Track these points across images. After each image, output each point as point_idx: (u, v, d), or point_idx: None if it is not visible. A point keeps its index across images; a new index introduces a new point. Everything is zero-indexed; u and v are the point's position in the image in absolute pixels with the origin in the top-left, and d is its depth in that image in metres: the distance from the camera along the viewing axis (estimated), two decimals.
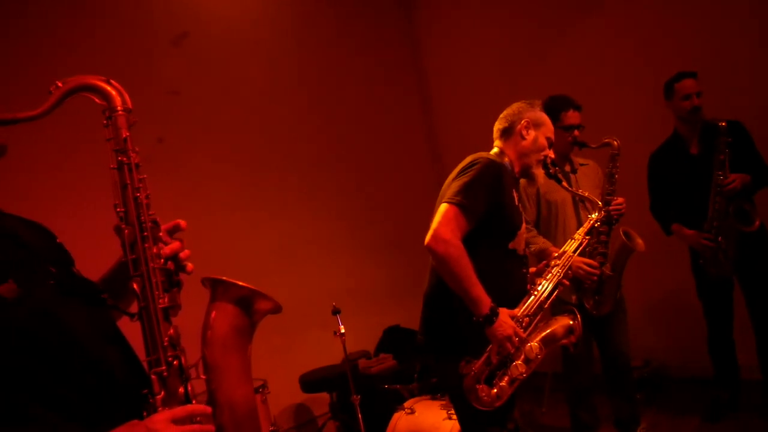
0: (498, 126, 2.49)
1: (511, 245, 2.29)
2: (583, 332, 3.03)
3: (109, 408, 1.06)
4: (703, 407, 3.68)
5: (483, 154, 2.33)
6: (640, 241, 3.04)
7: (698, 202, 3.33)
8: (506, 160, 2.41)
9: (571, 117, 3.11)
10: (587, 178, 3.19)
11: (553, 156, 2.50)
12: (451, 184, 2.22)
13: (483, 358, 2.15)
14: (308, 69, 5.20)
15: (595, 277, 2.95)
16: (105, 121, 1.22)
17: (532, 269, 2.46)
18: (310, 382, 4.30)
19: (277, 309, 1.44)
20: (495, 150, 2.47)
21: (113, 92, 1.22)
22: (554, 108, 3.08)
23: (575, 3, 4.69)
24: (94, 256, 1.52)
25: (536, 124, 2.43)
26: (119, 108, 1.22)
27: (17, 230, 1.15)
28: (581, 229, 2.60)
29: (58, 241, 1.27)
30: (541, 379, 4.33)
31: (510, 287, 2.29)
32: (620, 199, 3.00)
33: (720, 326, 3.51)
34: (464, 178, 2.20)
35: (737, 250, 3.26)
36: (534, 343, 2.21)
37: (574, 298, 3.05)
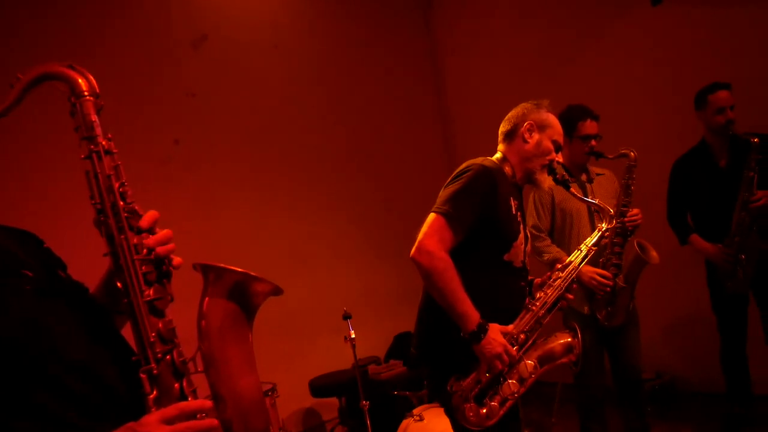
0: (501, 128, 2.37)
1: (506, 257, 2.17)
2: (596, 343, 3.06)
3: (100, 412, 1.02)
4: (714, 422, 3.64)
5: (478, 160, 2.22)
6: (654, 253, 3.02)
7: (720, 216, 3.30)
8: (507, 165, 2.29)
9: (589, 127, 3.10)
10: (603, 188, 3.18)
11: (561, 160, 2.37)
12: (441, 193, 2.15)
13: (472, 376, 2.06)
14: (326, 74, 5.23)
15: (608, 289, 2.93)
16: (71, 108, 1.14)
17: (537, 280, 2.33)
18: (320, 387, 4.30)
19: (276, 291, 1.36)
20: (497, 155, 2.34)
21: (78, 77, 1.14)
22: (572, 117, 3.08)
23: (597, 13, 4.69)
24: (91, 258, 1.45)
25: (541, 127, 2.28)
26: (86, 92, 1.13)
27: None
28: (589, 239, 2.40)
29: (45, 246, 1.21)
30: (551, 389, 4.30)
31: (504, 301, 2.18)
32: (635, 210, 2.98)
33: (734, 340, 3.48)
34: (454, 186, 2.11)
35: (756, 267, 3.24)
36: (529, 361, 2.10)
37: (586, 308, 3.04)
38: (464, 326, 1.99)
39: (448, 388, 2.07)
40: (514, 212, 2.21)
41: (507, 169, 2.29)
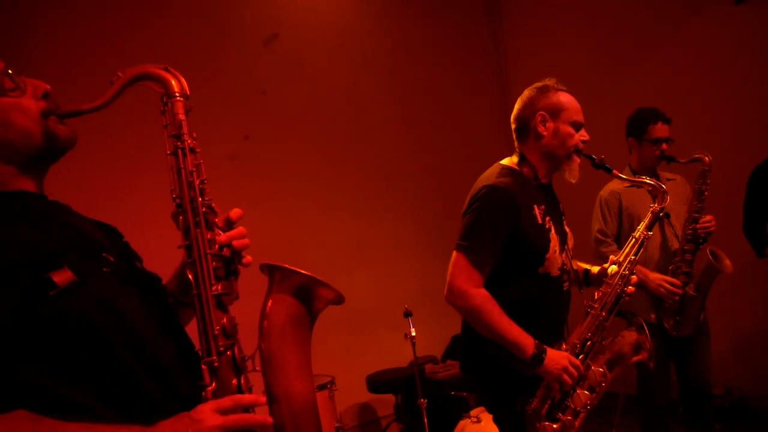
0: (513, 126, 2.18)
1: (540, 270, 2.04)
2: (662, 354, 2.95)
3: (155, 400, 1.04)
4: None
5: (491, 177, 2.06)
6: (728, 262, 2.89)
7: None
8: (526, 167, 2.12)
9: (660, 130, 3.01)
10: (674, 194, 3.06)
11: (587, 138, 2.10)
12: (461, 222, 2.05)
13: (540, 393, 1.97)
14: (394, 74, 5.28)
15: (677, 297, 2.84)
16: (162, 107, 1.20)
17: (594, 270, 2.21)
18: (377, 383, 4.34)
19: (339, 299, 1.37)
20: (514, 157, 2.16)
21: (171, 79, 1.20)
22: (642, 120, 3.01)
23: (670, 12, 4.52)
24: (165, 252, 1.51)
25: (553, 113, 2.06)
26: (177, 93, 1.19)
27: (75, 221, 1.14)
28: (641, 224, 2.18)
29: (124, 240, 1.26)
30: (612, 400, 4.18)
31: (543, 316, 2.06)
32: (709, 217, 2.87)
33: None
34: (469, 217, 2.02)
35: None
36: (598, 368, 1.99)
37: (653, 316, 2.95)
38: (522, 353, 1.91)
39: (518, 407, 1.99)
40: (540, 221, 2.05)
41: (527, 170, 2.12)
